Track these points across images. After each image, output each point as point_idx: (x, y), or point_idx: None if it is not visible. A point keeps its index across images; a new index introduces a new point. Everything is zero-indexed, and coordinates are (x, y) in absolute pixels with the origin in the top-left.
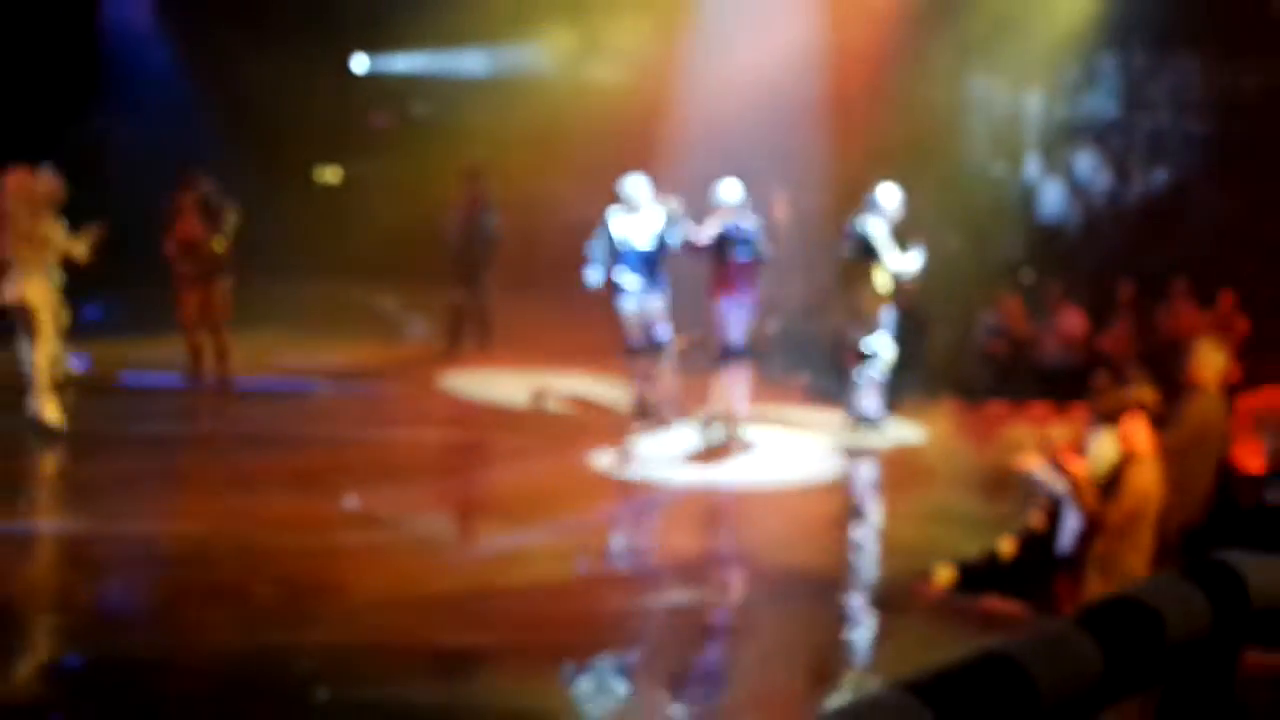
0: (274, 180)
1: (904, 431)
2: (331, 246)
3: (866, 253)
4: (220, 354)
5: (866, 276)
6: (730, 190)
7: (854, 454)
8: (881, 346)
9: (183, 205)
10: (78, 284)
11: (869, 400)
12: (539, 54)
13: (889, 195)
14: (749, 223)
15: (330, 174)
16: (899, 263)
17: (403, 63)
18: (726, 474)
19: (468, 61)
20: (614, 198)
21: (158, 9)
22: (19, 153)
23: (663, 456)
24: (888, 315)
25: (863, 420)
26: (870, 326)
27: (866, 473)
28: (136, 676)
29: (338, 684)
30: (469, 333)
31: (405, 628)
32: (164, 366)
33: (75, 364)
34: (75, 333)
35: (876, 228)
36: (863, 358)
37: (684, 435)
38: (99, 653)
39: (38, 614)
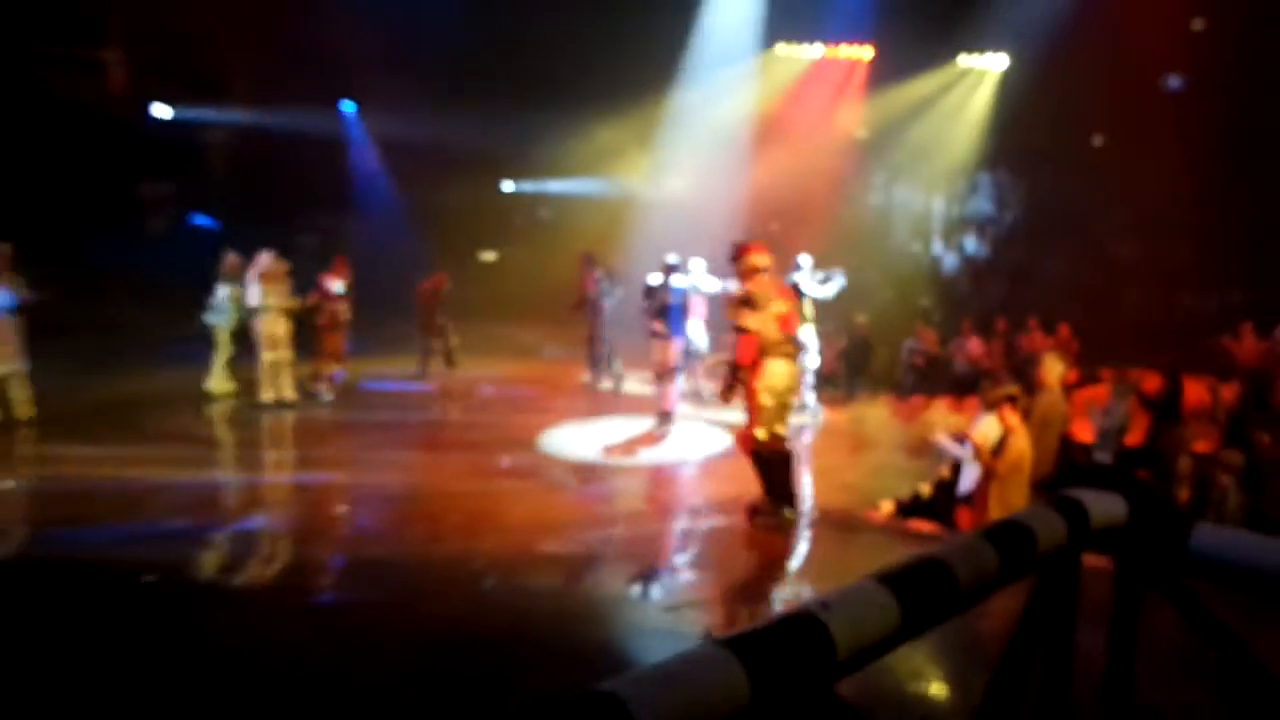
0: (453, 259)
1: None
2: (491, 301)
3: (797, 293)
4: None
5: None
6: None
7: (821, 428)
8: (810, 356)
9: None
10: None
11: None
12: (623, 179)
13: (804, 259)
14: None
15: (488, 255)
16: (818, 290)
17: (532, 185)
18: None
19: (576, 183)
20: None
21: (382, 156)
22: (299, 243)
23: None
24: (809, 332)
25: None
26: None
27: (830, 440)
28: (377, 570)
29: (497, 574)
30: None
31: (538, 541)
32: (391, 377)
33: (336, 376)
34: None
35: (800, 277)
36: None
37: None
38: (354, 554)
39: (316, 533)
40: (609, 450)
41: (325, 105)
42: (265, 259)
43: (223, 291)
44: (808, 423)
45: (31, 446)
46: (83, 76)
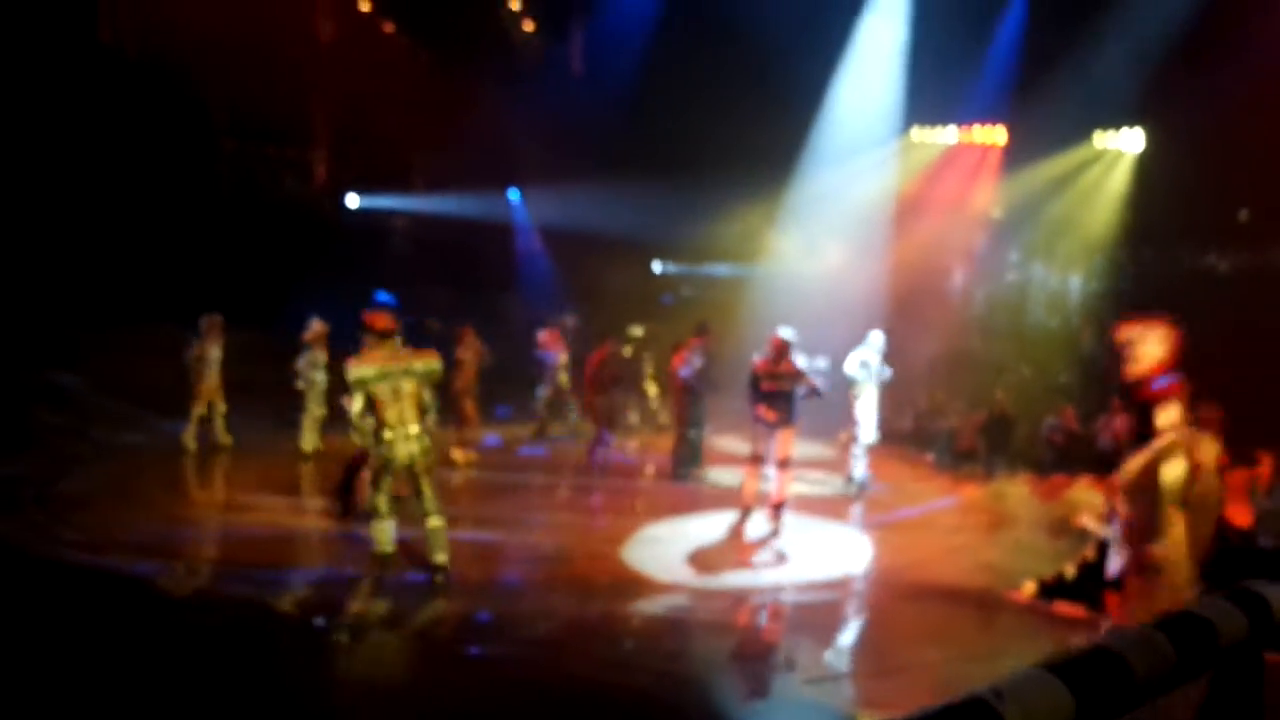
0: (605, 334)
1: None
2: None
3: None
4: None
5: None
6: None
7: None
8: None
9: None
10: (492, 395)
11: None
12: (763, 259)
13: (876, 336)
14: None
15: (636, 330)
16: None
17: (676, 267)
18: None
19: (719, 264)
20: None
21: (544, 240)
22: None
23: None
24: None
25: (854, 483)
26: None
27: (969, 517)
28: (526, 624)
29: (640, 635)
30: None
31: (682, 603)
32: (542, 442)
33: (490, 441)
34: (491, 421)
35: (866, 354)
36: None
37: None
38: (506, 608)
39: (463, 588)
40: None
41: (494, 192)
42: (315, 324)
43: (305, 358)
44: (852, 493)
45: (216, 491)
46: (293, 173)
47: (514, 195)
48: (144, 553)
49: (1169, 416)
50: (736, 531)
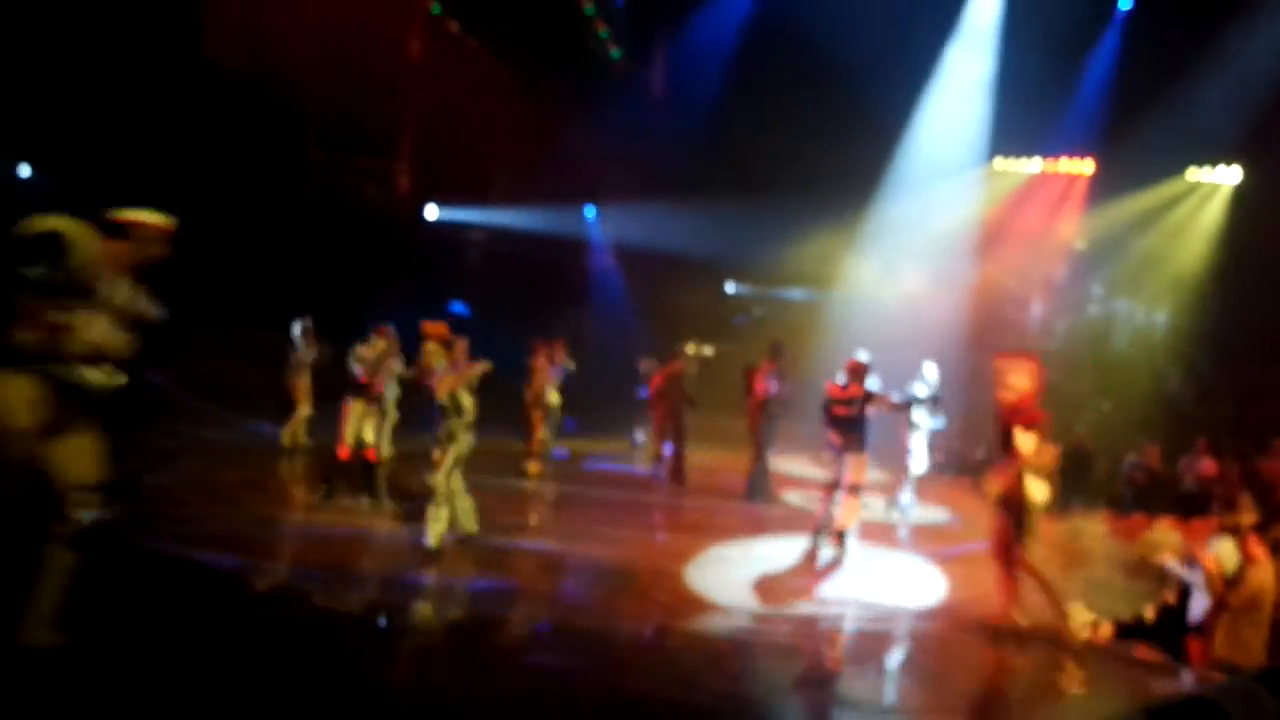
0: (674, 354)
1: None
2: (709, 391)
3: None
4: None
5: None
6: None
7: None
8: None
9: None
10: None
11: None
12: (838, 283)
13: (928, 367)
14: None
15: (706, 350)
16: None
17: (750, 289)
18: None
19: (793, 287)
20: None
21: (617, 258)
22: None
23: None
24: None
25: (899, 508)
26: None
27: (1045, 554)
28: (587, 638)
29: (701, 654)
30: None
31: (748, 631)
32: (609, 457)
33: (558, 454)
34: (560, 435)
35: (918, 388)
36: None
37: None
38: (565, 621)
39: (529, 598)
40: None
41: (570, 209)
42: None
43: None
44: (896, 520)
45: (296, 490)
46: (378, 185)
47: (590, 213)
48: (227, 547)
49: (1027, 442)
50: (805, 557)
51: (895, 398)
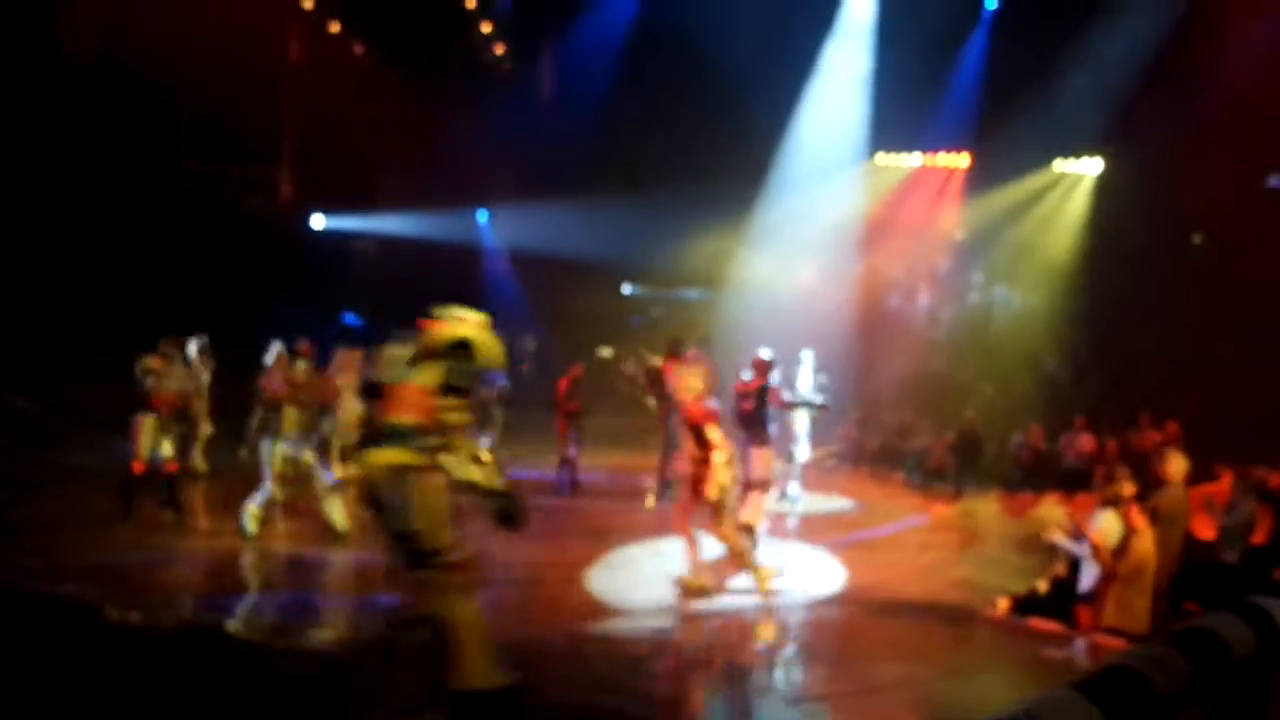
0: (575, 355)
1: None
2: (608, 392)
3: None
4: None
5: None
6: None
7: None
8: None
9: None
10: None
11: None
12: (729, 281)
13: (805, 354)
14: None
15: (605, 351)
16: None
17: (647, 289)
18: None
19: (686, 289)
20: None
21: (512, 262)
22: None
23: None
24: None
25: (788, 499)
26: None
27: (940, 535)
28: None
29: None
30: None
31: (662, 630)
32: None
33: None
34: None
35: (800, 375)
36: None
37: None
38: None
39: None
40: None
41: (461, 214)
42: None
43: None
44: (787, 510)
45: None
46: (259, 193)
47: (482, 217)
48: (100, 580)
49: (715, 433)
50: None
51: (786, 396)
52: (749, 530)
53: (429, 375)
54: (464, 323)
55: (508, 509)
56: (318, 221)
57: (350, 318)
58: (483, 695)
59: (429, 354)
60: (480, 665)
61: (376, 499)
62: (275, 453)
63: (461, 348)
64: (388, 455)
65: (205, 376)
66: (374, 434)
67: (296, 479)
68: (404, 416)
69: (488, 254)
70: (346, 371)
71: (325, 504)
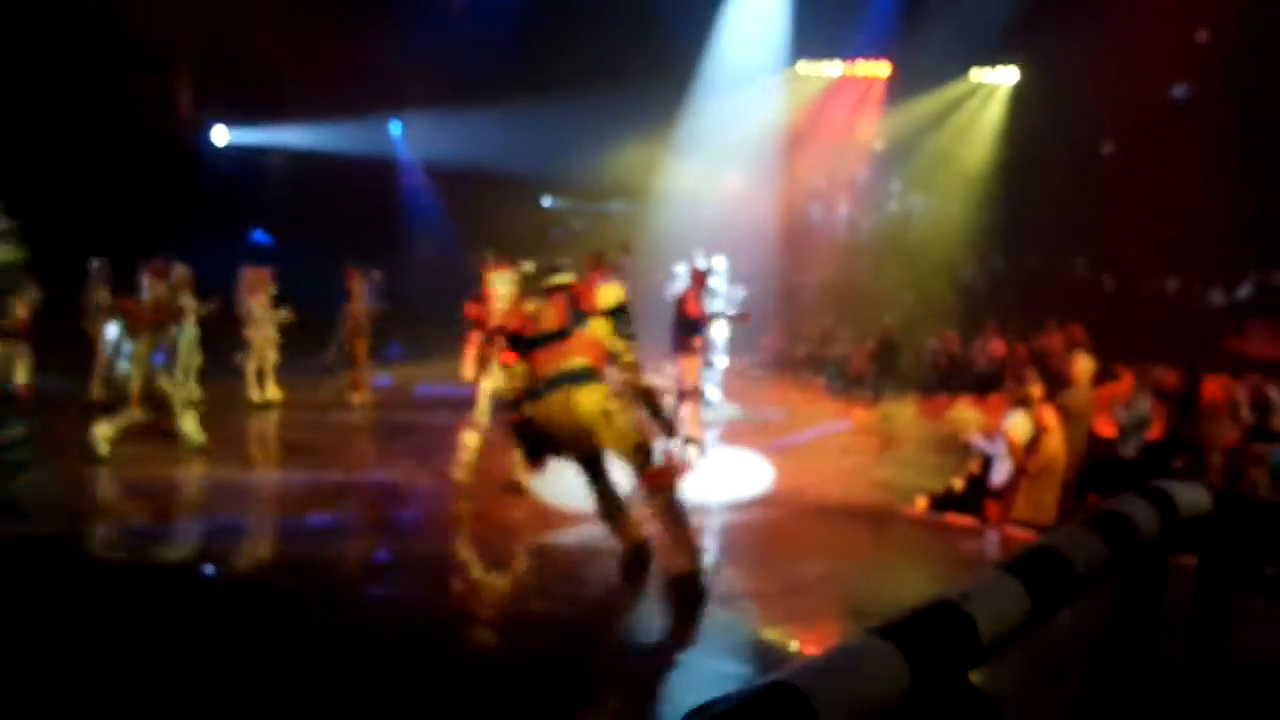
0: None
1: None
2: None
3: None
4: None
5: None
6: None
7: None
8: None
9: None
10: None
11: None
12: (650, 191)
13: (718, 261)
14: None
15: (527, 266)
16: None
17: (567, 201)
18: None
19: (607, 202)
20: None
21: (428, 175)
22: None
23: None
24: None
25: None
26: None
27: (860, 439)
28: (427, 565)
29: (548, 568)
30: None
31: (595, 537)
32: (438, 381)
33: (381, 382)
34: (382, 362)
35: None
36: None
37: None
38: (404, 550)
39: (371, 528)
40: None
41: (374, 124)
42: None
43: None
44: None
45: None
46: (153, 104)
47: (396, 128)
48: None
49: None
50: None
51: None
52: (693, 441)
53: (601, 328)
54: (613, 289)
55: (667, 420)
56: (220, 135)
57: (260, 235)
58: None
59: (598, 312)
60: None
61: (565, 431)
62: (133, 374)
63: (621, 310)
64: (591, 394)
65: (107, 300)
66: (551, 379)
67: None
68: (581, 360)
69: (403, 167)
70: (257, 291)
71: (180, 419)
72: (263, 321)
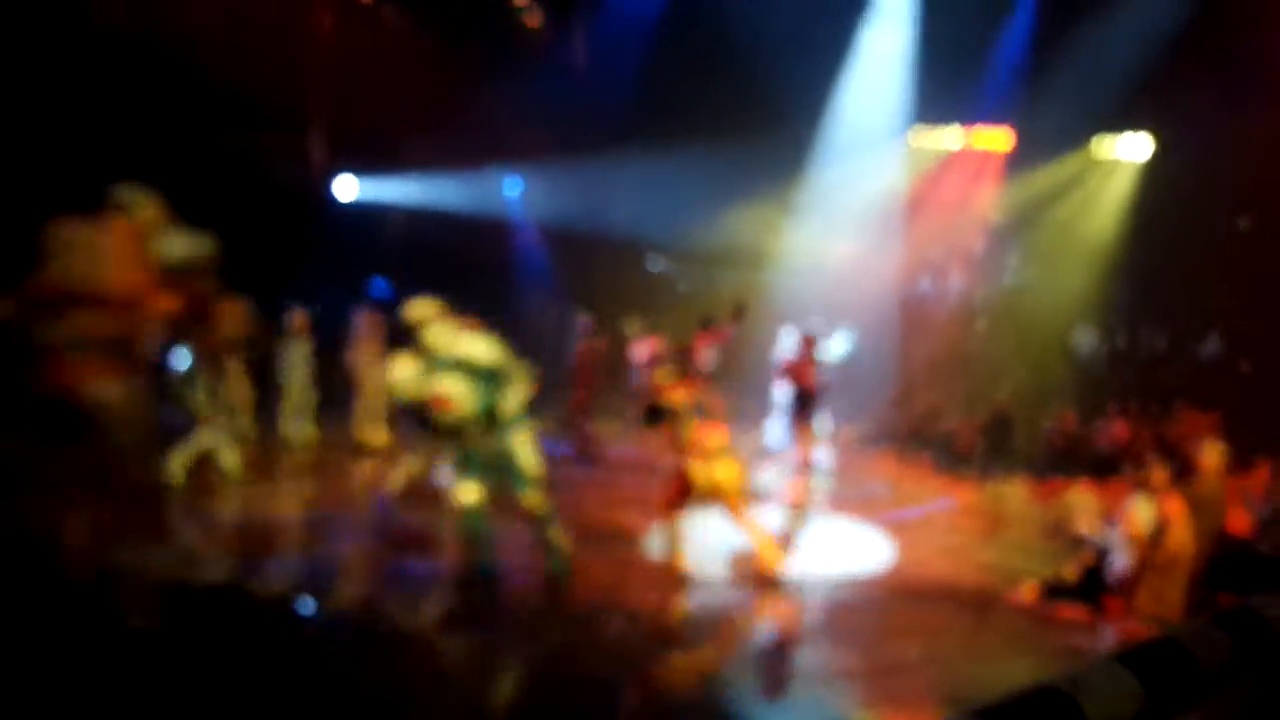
0: (603, 327)
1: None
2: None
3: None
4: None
5: None
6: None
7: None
8: None
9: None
10: None
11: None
12: (760, 257)
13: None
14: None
15: (629, 324)
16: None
17: (677, 264)
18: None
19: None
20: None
21: (543, 240)
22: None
23: None
24: None
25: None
26: None
27: (967, 519)
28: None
29: (642, 631)
30: None
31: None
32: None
33: None
34: None
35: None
36: None
37: None
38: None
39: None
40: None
41: (489, 180)
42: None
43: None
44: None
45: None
46: (288, 161)
47: (512, 189)
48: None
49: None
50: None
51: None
52: (800, 509)
53: None
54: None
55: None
56: (345, 187)
57: (380, 283)
58: None
59: None
60: None
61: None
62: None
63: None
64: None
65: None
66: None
67: None
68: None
69: (518, 225)
70: (372, 337)
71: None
72: (374, 367)
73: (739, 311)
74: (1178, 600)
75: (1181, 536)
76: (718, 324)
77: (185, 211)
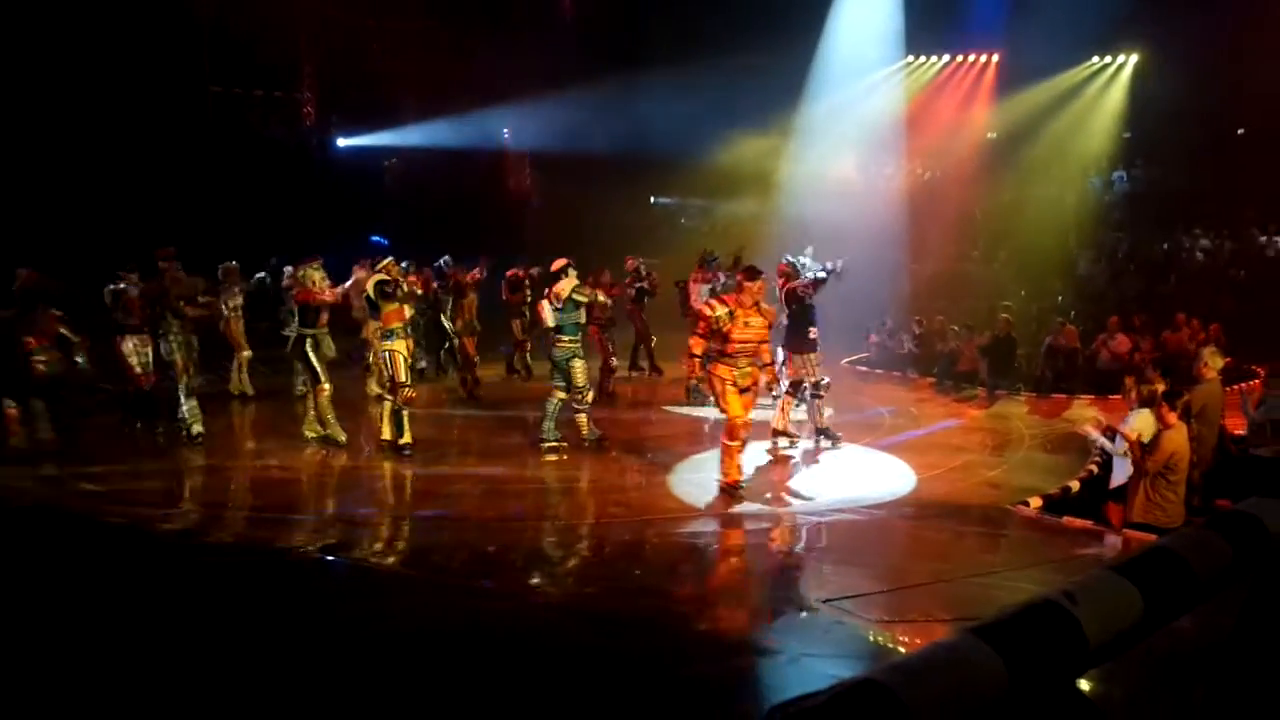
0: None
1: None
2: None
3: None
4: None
5: None
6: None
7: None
8: None
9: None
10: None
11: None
12: (760, 188)
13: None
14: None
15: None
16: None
17: (676, 198)
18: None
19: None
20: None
21: (534, 177)
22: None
23: None
24: None
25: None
26: None
27: (973, 437)
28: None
29: (654, 563)
30: None
31: (702, 534)
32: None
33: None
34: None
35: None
36: None
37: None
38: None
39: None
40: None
41: (483, 121)
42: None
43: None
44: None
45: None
46: (281, 115)
47: (503, 125)
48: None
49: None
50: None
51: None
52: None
53: None
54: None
55: None
56: (341, 140)
57: (376, 238)
58: None
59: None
60: None
61: None
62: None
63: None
64: None
65: (238, 300)
66: None
67: None
68: None
69: (512, 167)
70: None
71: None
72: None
73: (736, 259)
74: (1177, 506)
75: (1178, 442)
76: (718, 264)
77: (177, 163)
